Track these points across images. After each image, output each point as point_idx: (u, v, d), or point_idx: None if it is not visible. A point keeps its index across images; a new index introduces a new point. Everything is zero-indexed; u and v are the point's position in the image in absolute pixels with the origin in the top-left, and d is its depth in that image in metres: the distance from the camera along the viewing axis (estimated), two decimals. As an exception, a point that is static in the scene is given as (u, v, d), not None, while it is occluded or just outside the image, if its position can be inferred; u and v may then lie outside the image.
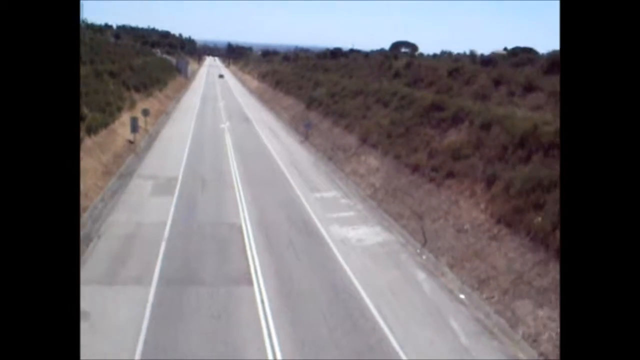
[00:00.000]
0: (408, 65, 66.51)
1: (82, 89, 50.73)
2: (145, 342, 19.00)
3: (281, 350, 19.01)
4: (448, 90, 49.46)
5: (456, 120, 40.14)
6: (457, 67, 55.44)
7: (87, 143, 42.82)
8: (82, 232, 28.79)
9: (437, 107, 43.97)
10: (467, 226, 28.86)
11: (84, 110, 47.25)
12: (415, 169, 38.42)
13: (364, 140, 50.30)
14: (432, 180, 35.64)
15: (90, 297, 21.94)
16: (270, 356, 18.75)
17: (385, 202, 37.08)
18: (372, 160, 45.23)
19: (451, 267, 26.63)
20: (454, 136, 38.59)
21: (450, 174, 34.39)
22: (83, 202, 32.78)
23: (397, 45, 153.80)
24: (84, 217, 31.07)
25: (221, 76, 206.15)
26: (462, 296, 24.03)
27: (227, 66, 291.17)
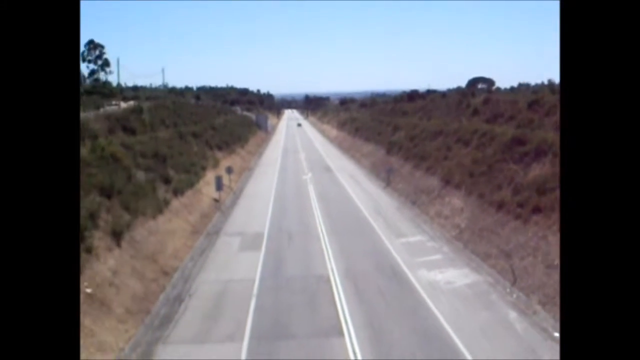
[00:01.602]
0: (486, 102, 66.02)
1: (167, 152, 52.18)
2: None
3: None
4: (529, 124, 48.80)
5: (539, 153, 39.58)
6: (537, 99, 54.54)
7: (175, 204, 43.92)
8: (173, 293, 29.51)
9: (518, 141, 43.48)
10: (557, 261, 28.32)
11: (170, 172, 48.48)
12: (500, 206, 37.98)
13: (446, 181, 50.07)
14: (518, 217, 35.15)
15: (184, 356, 22.47)
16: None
17: (471, 243, 36.75)
18: (456, 201, 44.95)
19: (543, 304, 26.14)
20: (538, 170, 38.04)
21: (537, 209, 33.83)
22: (173, 262, 33.61)
23: (473, 82, 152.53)
24: (175, 278, 31.80)
25: (299, 125, 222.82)
26: (556, 334, 23.52)
27: (306, 117, 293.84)
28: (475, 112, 65.44)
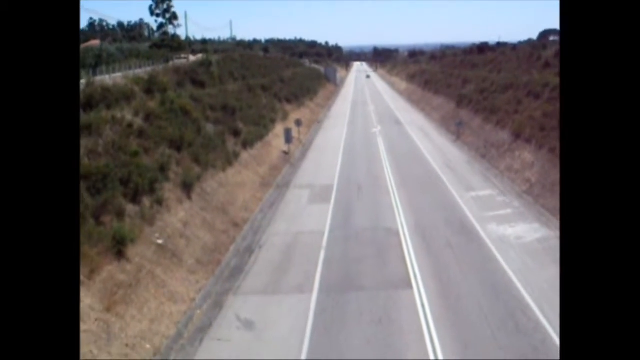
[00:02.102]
0: (558, 54, 64.49)
1: (236, 104, 52.53)
2: (309, 352, 19.49)
3: (443, 352, 19.02)
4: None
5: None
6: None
7: (244, 157, 44.33)
8: (243, 245, 29.91)
9: (591, 95, 42.35)
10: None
11: (239, 125, 48.83)
12: (572, 161, 37.14)
13: (517, 135, 49.20)
14: (590, 171, 34.35)
15: (254, 307, 22.80)
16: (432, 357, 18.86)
17: (542, 198, 36.20)
18: (527, 155, 44.24)
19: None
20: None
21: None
22: (243, 214, 34.02)
23: (545, 34, 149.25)
24: (245, 230, 32.18)
25: (368, 76, 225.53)
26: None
27: (375, 70, 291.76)
28: (547, 65, 63.96)
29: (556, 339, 19.49)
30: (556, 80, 52.09)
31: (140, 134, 31.67)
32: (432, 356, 18.89)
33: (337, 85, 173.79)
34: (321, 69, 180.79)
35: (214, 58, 67.07)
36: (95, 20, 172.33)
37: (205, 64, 60.27)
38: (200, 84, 52.89)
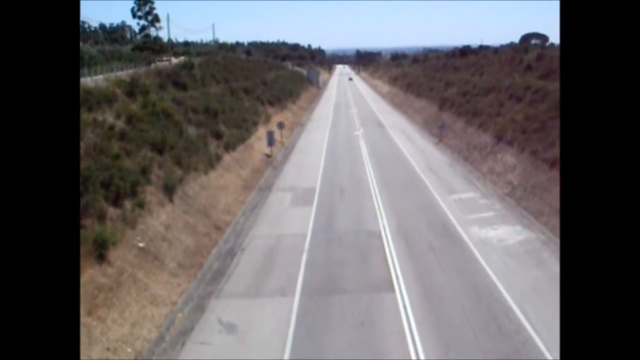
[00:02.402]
0: (539, 58, 64.83)
1: (218, 107, 52.47)
2: (291, 355, 19.48)
3: (425, 354, 19.05)
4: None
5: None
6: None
7: (226, 159, 44.26)
8: (225, 247, 29.84)
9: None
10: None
11: (221, 128, 48.73)
12: (553, 163, 37.27)
13: (499, 138, 49.39)
14: (571, 174, 34.47)
15: (236, 310, 22.77)
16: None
17: (524, 200, 36.33)
18: (509, 157, 44.40)
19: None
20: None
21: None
22: (225, 217, 33.92)
23: (526, 38, 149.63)
24: (227, 232, 32.10)
25: (350, 79, 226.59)
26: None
27: (358, 73, 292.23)
28: (529, 68, 64.46)
29: (538, 340, 19.61)
30: (537, 83, 52.48)
31: (122, 136, 31.55)
32: (414, 358, 18.93)
33: (320, 88, 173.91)
34: (304, 71, 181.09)
35: (196, 60, 66.94)
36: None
37: (187, 67, 60.14)
38: (183, 87, 52.76)
